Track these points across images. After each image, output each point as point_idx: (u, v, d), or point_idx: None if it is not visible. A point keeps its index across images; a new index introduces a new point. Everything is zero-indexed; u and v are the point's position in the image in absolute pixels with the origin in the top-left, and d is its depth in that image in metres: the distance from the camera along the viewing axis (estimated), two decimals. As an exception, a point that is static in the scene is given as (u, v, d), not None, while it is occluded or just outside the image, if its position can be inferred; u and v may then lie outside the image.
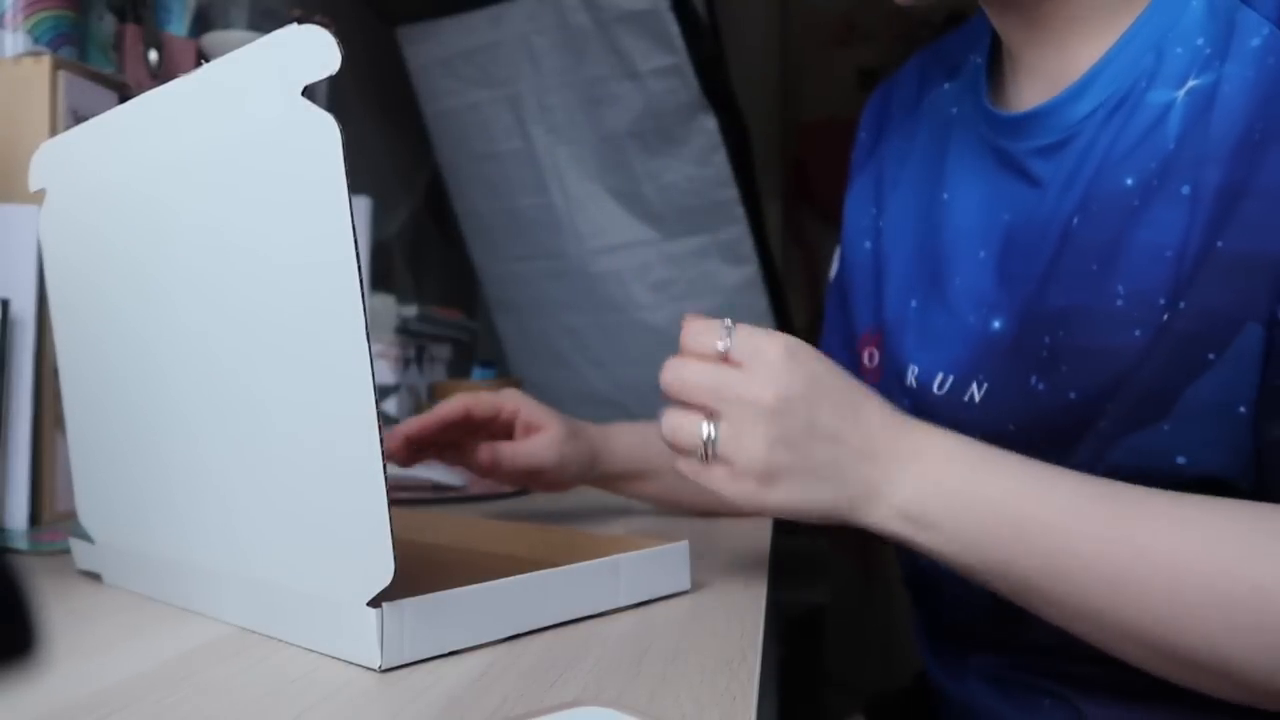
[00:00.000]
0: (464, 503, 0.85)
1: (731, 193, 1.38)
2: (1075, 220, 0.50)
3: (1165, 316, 0.45)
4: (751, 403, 0.45)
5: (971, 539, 0.44)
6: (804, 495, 0.45)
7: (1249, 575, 0.39)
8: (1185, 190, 0.45)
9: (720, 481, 0.46)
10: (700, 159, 1.36)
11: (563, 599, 0.43)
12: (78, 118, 0.64)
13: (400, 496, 0.85)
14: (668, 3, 1.26)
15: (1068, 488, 0.44)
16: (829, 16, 2.31)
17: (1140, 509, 0.42)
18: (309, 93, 0.36)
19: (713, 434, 0.45)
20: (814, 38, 2.32)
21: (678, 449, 0.47)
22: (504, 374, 1.64)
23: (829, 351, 0.82)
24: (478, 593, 0.39)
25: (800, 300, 2.31)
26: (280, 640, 0.40)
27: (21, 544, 0.60)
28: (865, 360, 0.68)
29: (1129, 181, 0.48)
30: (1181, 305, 0.45)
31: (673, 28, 1.27)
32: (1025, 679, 0.54)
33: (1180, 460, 0.46)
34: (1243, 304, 0.43)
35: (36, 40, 0.72)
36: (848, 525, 0.46)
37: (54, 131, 0.63)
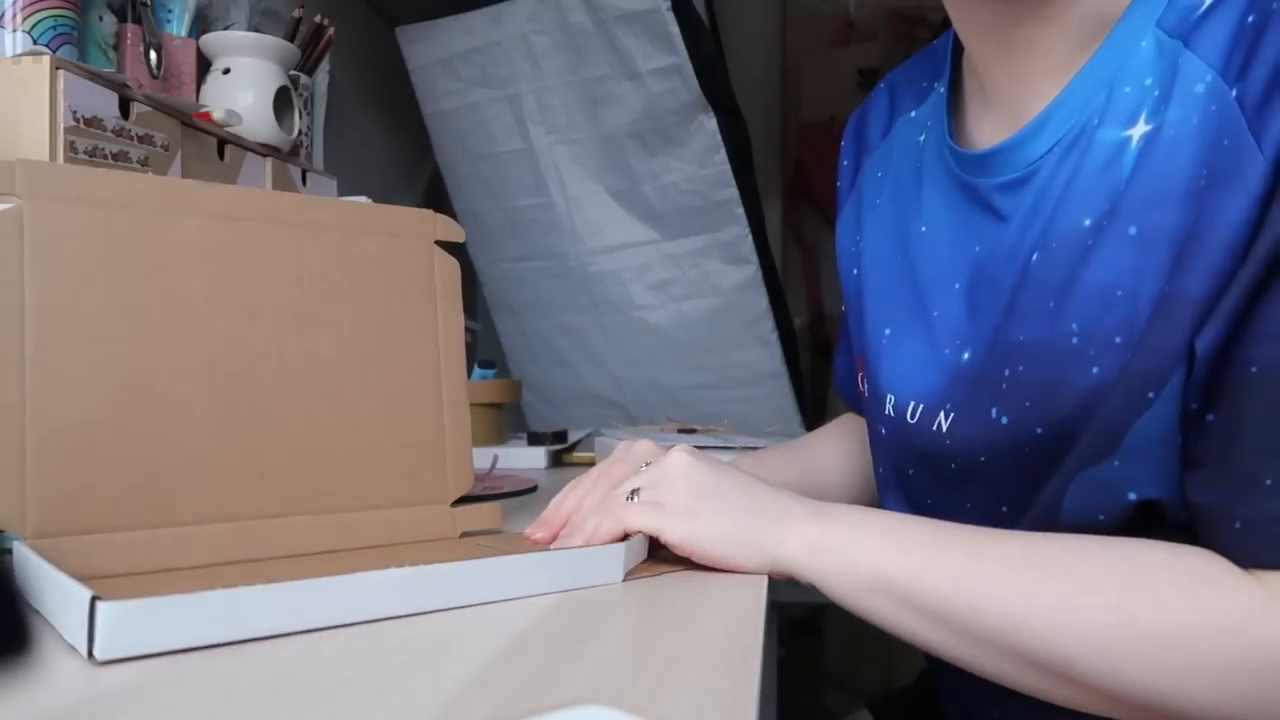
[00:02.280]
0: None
1: (731, 193, 1.38)
2: (1035, 256, 0.51)
3: (1126, 357, 0.46)
4: (669, 463, 0.55)
5: (862, 560, 0.49)
6: (724, 519, 0.52)
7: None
8: (1132, 231, 0.46)
9: (654, 516, 0.53)
10: (700, 159, 1.36)
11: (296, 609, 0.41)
12: (77, 118, 0.64)
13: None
14: (668, 3, 1.25)
15: (938, 526, 0.50)
16: (829, 16, 2.31)
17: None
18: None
19: (638, 487, 0.55)
20: (814, 38, 2.32)
21: (593, 512, 0.55)
22: (504, 374, 1.64)
23: (848, 361, 0.83)
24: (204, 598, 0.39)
25: (800, 300, 2.32)
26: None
27: (21, 544, 0.60)
28: (860, 385, 0.69)
29: (1086, 222, 0.49)
30: (1136, 346, 0.46)
31: (673, 28, 1.27)
32: None
33: (1131, 496, 0.47)
34: (1181, 343, 0.44)
35: (36, 40, 0.72)
36: (769, 565, 0.51)
37: (54, 131, 0.63)
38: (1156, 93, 0.47)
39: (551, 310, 1.59)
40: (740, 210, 1.39)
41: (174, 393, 0.51)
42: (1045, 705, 0.55)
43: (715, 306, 1.46)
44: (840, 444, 0.83)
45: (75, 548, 0.47)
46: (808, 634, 2.14)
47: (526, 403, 1.69)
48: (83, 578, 0.39)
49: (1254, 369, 0.42)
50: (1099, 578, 0.44)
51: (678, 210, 1.42)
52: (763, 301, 1.44)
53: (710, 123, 1.34)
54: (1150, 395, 0.45)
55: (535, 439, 1.20)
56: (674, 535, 0.52)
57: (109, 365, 0.50)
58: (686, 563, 0.54)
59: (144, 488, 0.50)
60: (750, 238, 1.41)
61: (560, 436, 1.21)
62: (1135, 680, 0.42)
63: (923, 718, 0.74)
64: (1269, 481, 0.41)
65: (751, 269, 1.43)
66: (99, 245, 0.50)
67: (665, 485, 0.54)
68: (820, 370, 2.30)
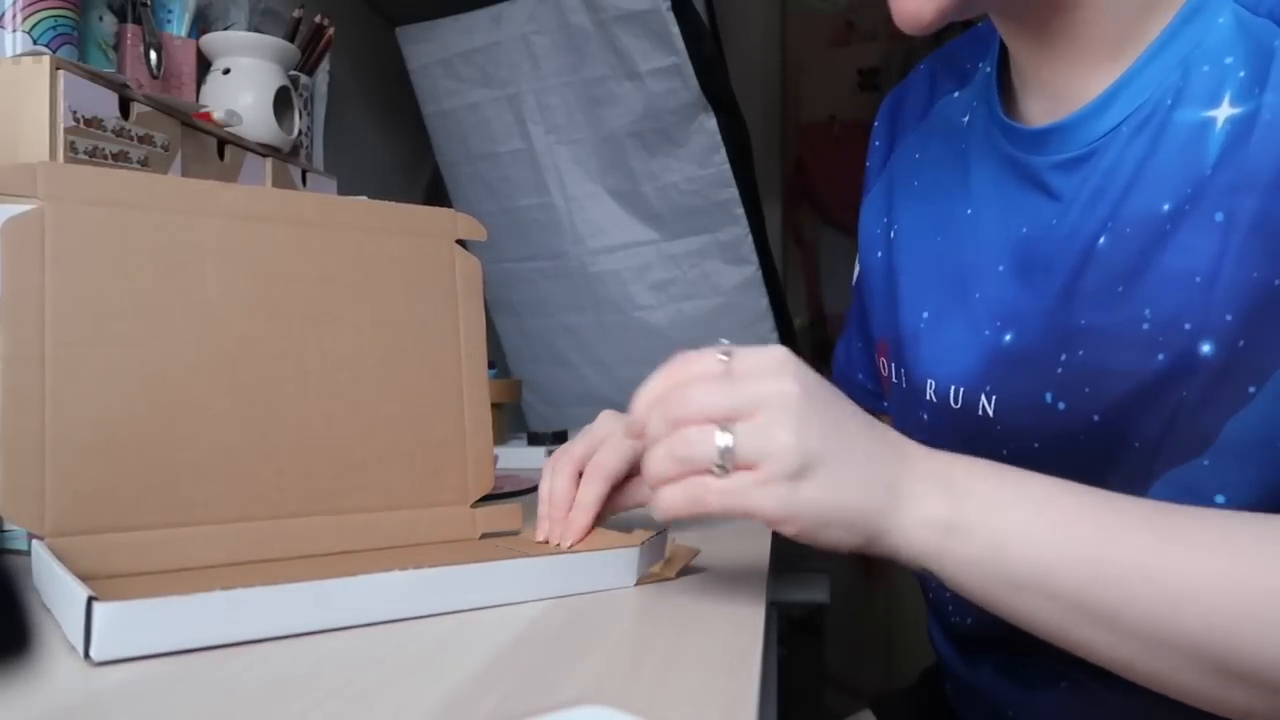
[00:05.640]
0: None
1: (731, 193, 1.38)
2: (1103, 240, 0.49)
3: (1193, 343, 0.45)
4: (774, 393, 0.41)
5: (1010, 545, 0.41)
6: (837, 489, 0.41)
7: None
8: (1219, 217, 0.44)
9: (743, 492, 0.41)
10: (700, 159, 1.36)
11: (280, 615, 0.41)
12: (77, 118, 0.64)
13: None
14: (668, 3, 1.25)
15: (1101, 496, 0.42)
16: (829, 16, 2.31)
17: (1178, 516, 0.41)
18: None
19: (729, 443, 0.41)
20: (814, 38, 2.32)
21: (681, 474, 0.42)
22: (504, 374, 1.64)
23: (849, 349, 0.82)
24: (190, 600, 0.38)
25: (800, 300, 2.32)
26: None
27: (21, 545, 0.60)
28: (880, 369, 0.68)
29: (1165, 206, 0.46)
30: (1211, 334, 0.44)
31: (673, 28, 1.27)
32: (1041, 665, 0.54)
33: (1219, 499, 0.45)
34: None
35: (36, 40, 0.72)
36: (869, 547, 0.43)
37: (54, 131, 0.63)
38: (1242, 73, 0.45)
39: (552, 310, 1.59)
40: (740, 210, 1.39)
41: (193, 392, 0.51)
42: (1064, 705, 0.54)
43: (715, 306, 1.46)
44: None
45: (93, 546, 0.47)
46: (808, 634, 2.14)
47: (526, 403, 1.69)
48: (99, 577, 0.38)
49: None
50: None
51: (678, 210, 1.42)
52: (763, 301, 1.45)
53: (710, 123, 1.34)
54: (1250, 390, 0.43)
55: (535, 439, 1.20)
56: (768, 511, 0.41)
57: (128, 365, 0.50)
58: (700, 555, 0.54)
59: (162, 487, 0.50)
60: (750, 238, 1.41)
61: (560, 436, 1.21)
62: None
63: (925, 717, 0.74)
64: None
65: (751, 269, 1.43)
66: (119, 246, 0.51)
67: (767, 429, 0.41)
68: (820, 370, 2.29)
